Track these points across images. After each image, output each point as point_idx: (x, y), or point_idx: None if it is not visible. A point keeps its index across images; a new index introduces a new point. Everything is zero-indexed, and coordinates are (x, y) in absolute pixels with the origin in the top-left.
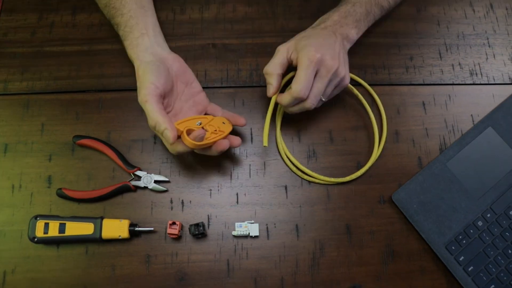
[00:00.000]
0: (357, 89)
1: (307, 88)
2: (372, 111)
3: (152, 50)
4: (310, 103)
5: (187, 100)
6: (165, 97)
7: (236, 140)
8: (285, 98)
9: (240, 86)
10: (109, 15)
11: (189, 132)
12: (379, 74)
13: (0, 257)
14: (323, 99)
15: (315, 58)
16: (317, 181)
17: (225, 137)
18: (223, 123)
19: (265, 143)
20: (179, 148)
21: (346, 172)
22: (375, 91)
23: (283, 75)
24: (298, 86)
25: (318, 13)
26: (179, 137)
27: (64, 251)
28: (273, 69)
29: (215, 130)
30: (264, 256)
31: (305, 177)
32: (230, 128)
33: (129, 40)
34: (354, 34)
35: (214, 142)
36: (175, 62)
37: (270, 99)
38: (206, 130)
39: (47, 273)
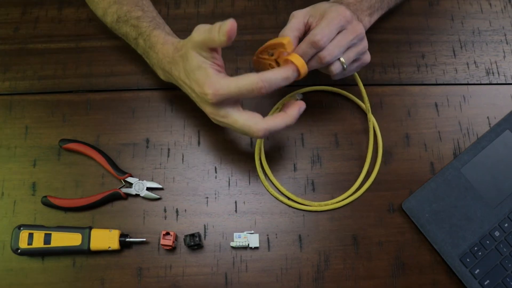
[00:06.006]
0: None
1: (327, 36)
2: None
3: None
4: (327, 54)
5: None
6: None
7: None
8: (300, 47)
9: None
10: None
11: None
12: (389, 73)
13: None
14: (344, 63)
15: (345, 14)
16: (309, 209)
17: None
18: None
19: None
20: (271, 124)
21: (352, 179)
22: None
23: (300, 39)
24: (317, 29)
25: None
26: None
27: (50, 264)
28: (288, 33)
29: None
30: (264, 269)
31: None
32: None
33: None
34: (366, 22)
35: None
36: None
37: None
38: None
39: (31, 287)
